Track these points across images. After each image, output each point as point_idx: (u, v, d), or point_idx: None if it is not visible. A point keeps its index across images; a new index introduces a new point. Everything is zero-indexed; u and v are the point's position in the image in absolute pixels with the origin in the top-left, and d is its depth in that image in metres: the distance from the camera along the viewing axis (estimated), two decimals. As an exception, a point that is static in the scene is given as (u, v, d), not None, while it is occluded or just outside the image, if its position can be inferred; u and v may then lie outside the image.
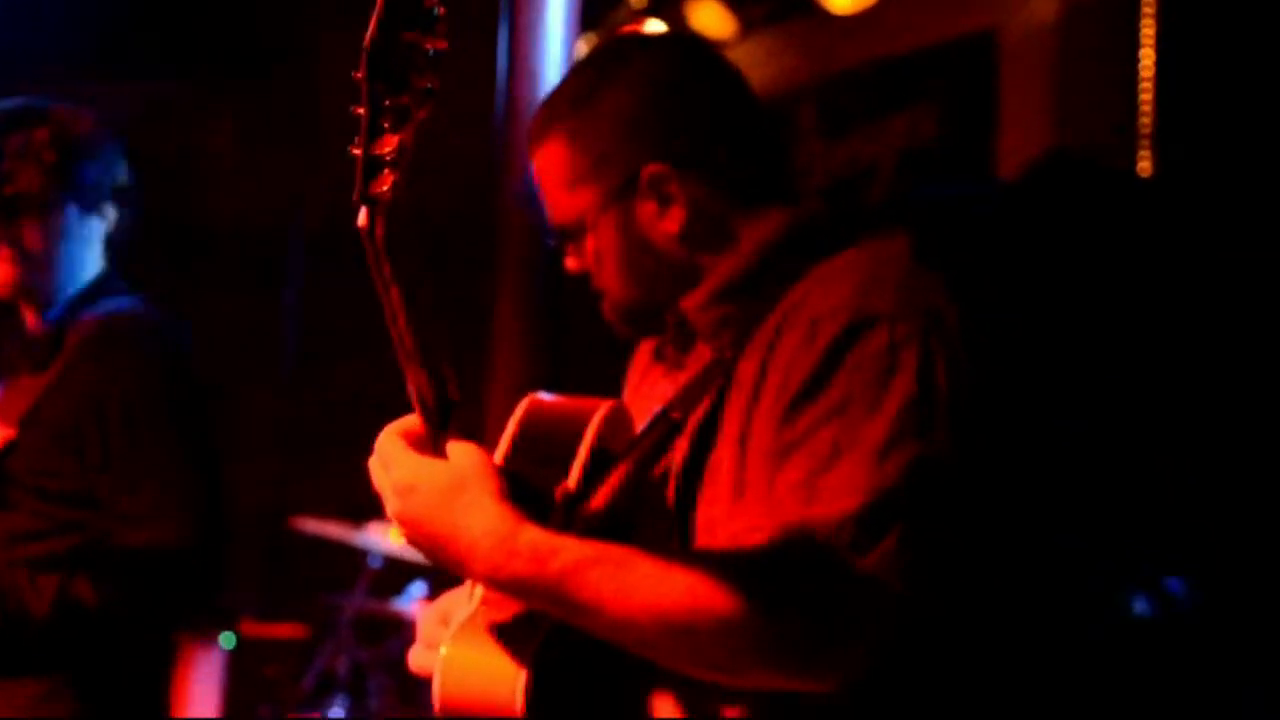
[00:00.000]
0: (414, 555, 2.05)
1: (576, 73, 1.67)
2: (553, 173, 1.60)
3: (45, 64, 4.57)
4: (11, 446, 2.21)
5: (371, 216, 1.27)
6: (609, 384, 1.82)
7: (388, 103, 1.25)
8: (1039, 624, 1.61)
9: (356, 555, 4.43)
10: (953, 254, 2.64)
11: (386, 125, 1.25)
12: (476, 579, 1.39)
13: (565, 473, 1.49)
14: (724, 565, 1.33)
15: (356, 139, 1.26)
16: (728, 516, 1.43)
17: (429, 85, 1.25)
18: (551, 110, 1.62)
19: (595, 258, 1.60)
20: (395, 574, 4.34)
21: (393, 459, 1.39)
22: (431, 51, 1.24)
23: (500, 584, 1.36)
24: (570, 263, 1.65)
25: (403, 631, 4.39)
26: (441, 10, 1.24)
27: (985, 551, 1.43)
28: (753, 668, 1.34)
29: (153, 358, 2.28)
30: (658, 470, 1.55)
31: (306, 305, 5.39)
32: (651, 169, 1.55)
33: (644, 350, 1.78)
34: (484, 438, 1.52)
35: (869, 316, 1.40)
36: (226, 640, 4.52)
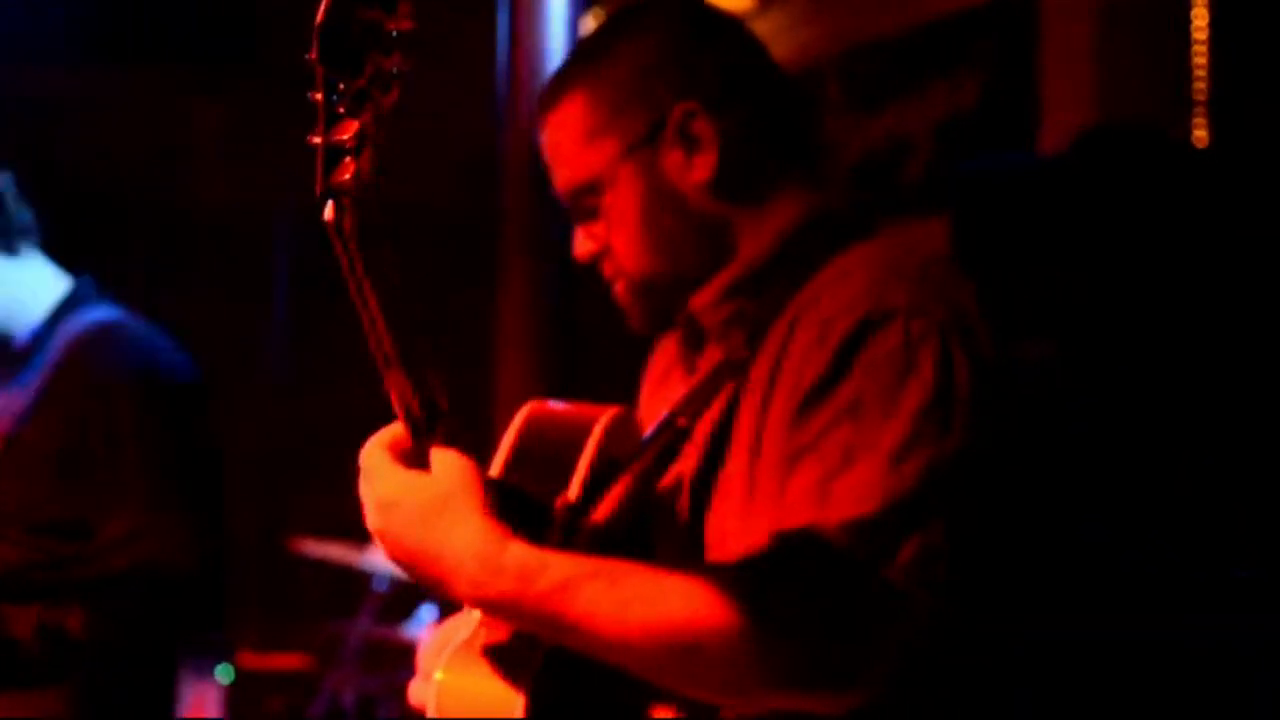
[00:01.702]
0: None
1: (588, 39, 1.72)
2: (569, 129, 1.61)
3: (21, 48, 4.68)
4: None
5: (338, 209, 1.28)
6: (624, 387, 1.85)
7: (343, 86, 1.25)
8: (1062, 624, 1.68)
9: (361, 578, 4.48)
10: (996, 231, 2.70)
11: (342, 110, 1.26)
12: (462, 599, 1.41)
13: (566, 484, 1.52)
14: (727, 578, 1.35)
15: (315, 127, 1.27)
16: (740, 528, 1.46)
17: (394, 67, 1.26)
18: (565, 73, 1.65)
19: (611, 222, 1.60)
20: (403, 598, 4.39)
21: (375, 472, 1.41)
22: (395, 32, 1.25)
23: (486, 604, 1.39)
24: (579, 248, 1.66)
25: (412, 659, 4.43)
26: None
27: (1007, 552, 1.46)
28: (759, 688, 1.36)
29: (135, 370, 2.35)
30: (668, 480, 1.58)
31: (299, 305, 5.45)
32: (680, 107, 1.57)
33: (662, 351, 1.81)
34: (488, 445, 1.57)
35: (883, 312, 1.43)
36: (224, 673, 4.57)
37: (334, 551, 4.47)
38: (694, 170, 1.58)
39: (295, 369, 5.49)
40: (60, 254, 2.49)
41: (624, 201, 1.59)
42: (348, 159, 1.27)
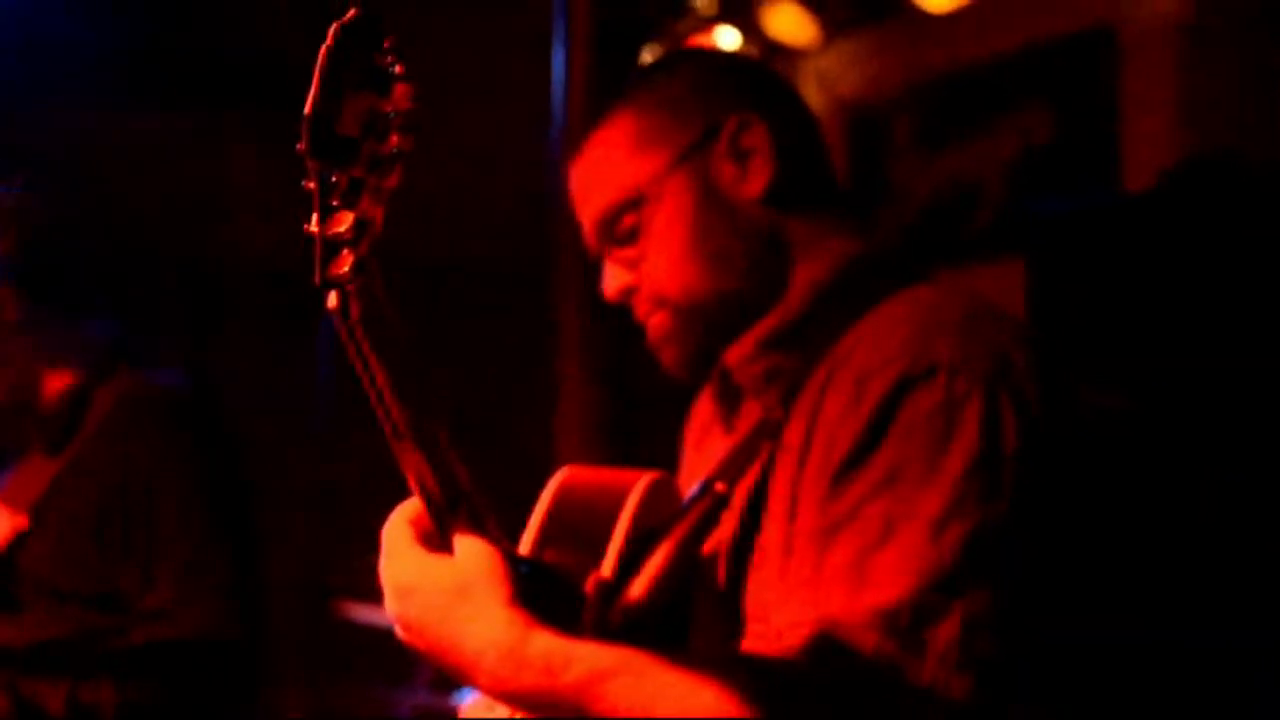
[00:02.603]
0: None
1: (635, 77, 1.74)
2: (614, 144, 1.62)
3: (59, 93, 4.75)
4: (23, 538, 2.28)
5: (342, 297, 1.25)
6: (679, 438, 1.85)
7: (335, 178, 1.23)
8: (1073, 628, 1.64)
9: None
10: (1074, 277, 2.67)
11: (336, 203, 1.23)
12: (483, 691, 1.40)
13: (601, 557, 1.50)
14: (758, 674, 1.33)
15: (311, 216, 1.24)
16: (778, 599, 1.44)
17: (393, 150, 1.24)
18: (612, 102, 1.66)
19: (655, 239, 1.60)
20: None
21: (393, 553, 1.40)
22: (393, 114, 1.23)
23: (510, 698, 1.38)
24: (610, 284, 1.65)
25: (464, 730, 4.43)
26: (400, 68, 1.23)
27: (1059, 624, 1.43)
28: None
29: (178, 435, 2.35)
30: (706, 549, 1.56)
31: (343, 359, 5.46)
32: (736, 116, 1.58)
33: (700, 408, 1.80)
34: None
35: (923, 369, 1.40)
36: (270, 744, 4.59)
37: (383, 615, 4.44)
38: (748, 182, 1.59)
39: (340, 426, 5.49)
40: (98, 307, 2.49)
41: (672, 213, 1.59)
42: (345, 251, 1.24)
